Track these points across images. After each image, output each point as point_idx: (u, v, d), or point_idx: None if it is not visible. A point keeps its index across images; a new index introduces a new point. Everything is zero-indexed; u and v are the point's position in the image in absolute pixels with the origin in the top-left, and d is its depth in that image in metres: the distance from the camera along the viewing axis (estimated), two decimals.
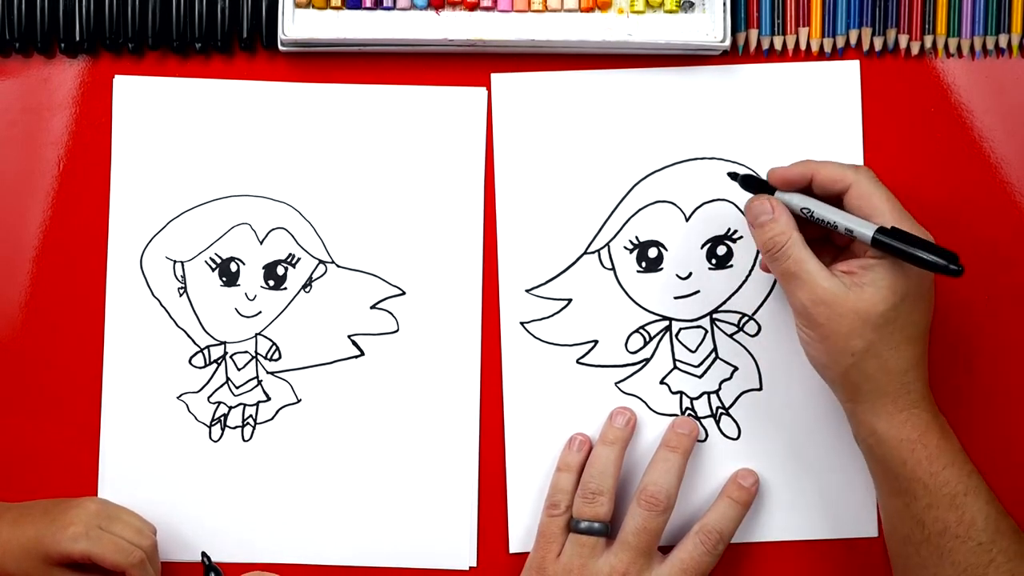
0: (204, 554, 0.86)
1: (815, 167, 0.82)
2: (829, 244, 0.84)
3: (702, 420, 0.91)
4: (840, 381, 0.80)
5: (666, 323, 0.91)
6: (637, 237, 0.91)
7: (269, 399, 0.91)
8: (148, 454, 0.90)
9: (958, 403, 0.90)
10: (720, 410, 0.91)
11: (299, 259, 0.91)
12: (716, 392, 0.91)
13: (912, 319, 0.79)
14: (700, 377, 0.91)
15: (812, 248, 0.80)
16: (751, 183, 0.84)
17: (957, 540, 0.78)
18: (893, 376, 0.79)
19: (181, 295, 0.91)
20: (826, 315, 0.78)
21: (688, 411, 0.91)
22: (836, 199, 0.81)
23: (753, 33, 0.91)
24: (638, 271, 0.91)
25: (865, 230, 0.78)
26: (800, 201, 0.81)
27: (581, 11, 0.90)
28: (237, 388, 0.91)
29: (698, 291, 0.91)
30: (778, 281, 0.82)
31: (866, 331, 0.78)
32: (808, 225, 0.81)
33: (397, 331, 0.91)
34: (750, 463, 0.90)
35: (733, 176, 0.85)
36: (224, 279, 0.91)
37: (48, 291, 0.90)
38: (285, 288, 0.91)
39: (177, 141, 0.91)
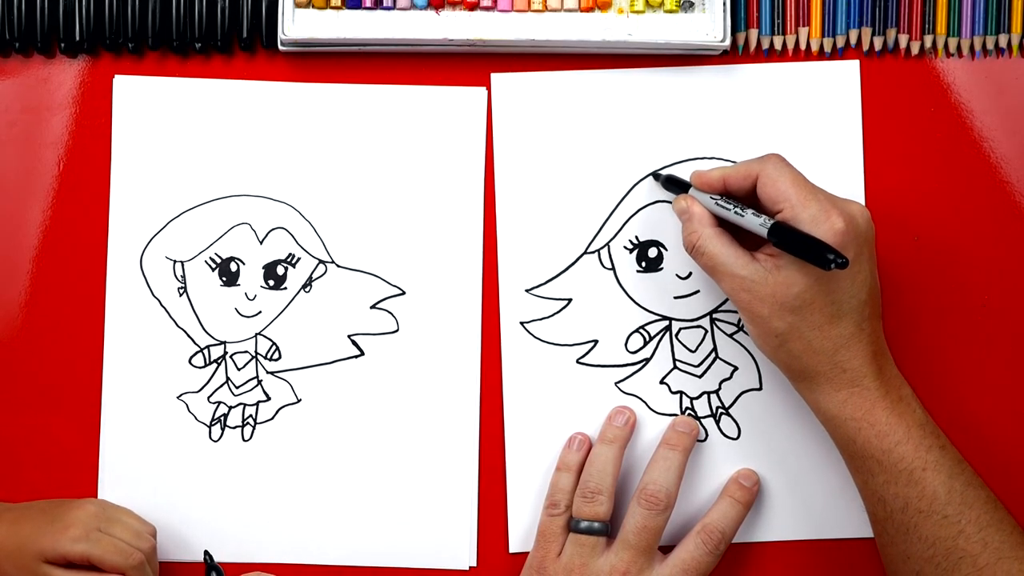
0: (207, 553, 0.86)
1: (727, 169, 0.84)
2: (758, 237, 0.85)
3: (702, 420, 0.91)
4: (775, 361, 0.83)
5: (666, 323, 0.91)
6: (637, 237, 0.91)
7: (269, 399, 0.91)
8: (148, 454, 0.90)
9: (957, 402, 0.90)
10: (720, 410, 0.91)
11: (299, 259, 0.91)
12: (716, 392, 0.91)
13: (832, 299, 0.79)
14: (700, 377, 0.91)
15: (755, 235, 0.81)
16: (672, 183, 0.88)
17: (920, 515, 0.79)
18: (822, 356, 0.80)
19: (181, 295, 0.91)
20: (747, 300, 0.80)
21: (688, 411, 0.91)
22: (753, 194, 0.83)
23: (753, 33, 0.91)
24: (638, 271, 0.91)
25: (761, 228, 0.80)
26: (711, 200, 0.84)
27: (581, 11, 0.90)
28: (237, 388, 0.91)
29: (698, 291, 0.91)
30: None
31: (784, 313, 0.79)
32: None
33: (397, 331, 0.91)
34: (750, 463, 0.90)
35: (656, 176, 0.89)
36: (224, 279, 0.91)
37: (48, 291, 0.90)
38: (285, 288, 0.91)
39: (177, 141, 0.91)
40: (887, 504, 0.80)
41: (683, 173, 0.91)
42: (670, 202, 0.91)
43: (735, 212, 0.82)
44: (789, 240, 0.78)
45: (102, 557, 0.83)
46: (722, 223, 0.84)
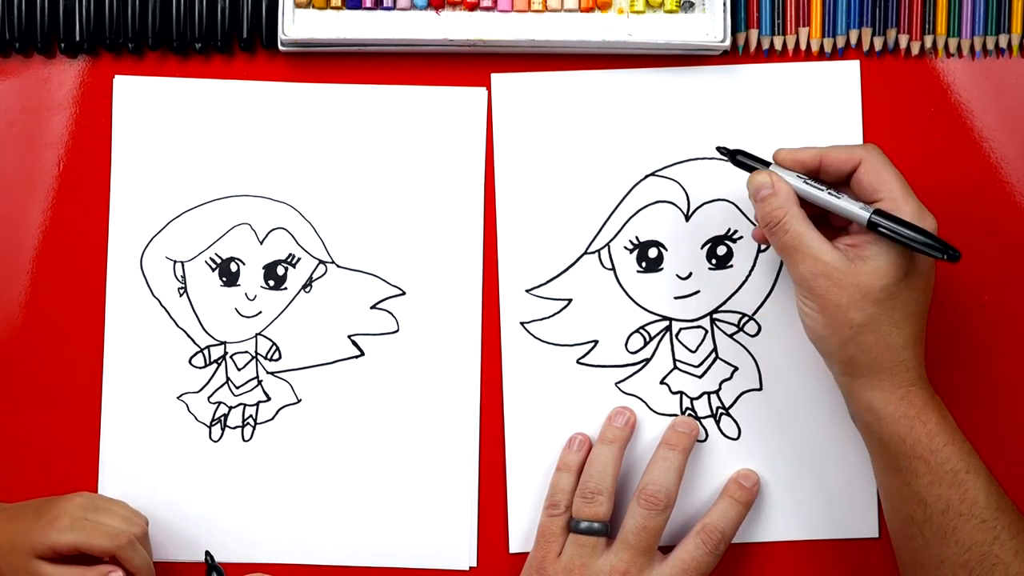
0: (208, 553, 0.86)
1: (823, 150, 0.82)
2: (827, 224, 0.84)
3: (702, 420, 0.91)
4: (837, 355, 0.80)
5: (666, 323, 0.91)
6: (637, 237, 0.91)
7: (269, 399, 0.91)
8: (148, 454, 0.90)
9: (957, 400, 0.90)
10: (720, 410, 0.91)
11: (299, 259, 0.91)
12: (716, 392, 0.91)
13: (913, 296, 0.79)
14: (700, 377, 0.91)
15: (816, 225, 0.81)
16: (740, 157, 0.84)
17: (961, 518, 0.78)
18: (891, 352, 0.79)
19: (181, 295, 0.91)
20: (826, 287, 0.78)
21: (688, 411, 0.91)
22: (845, 180, 0.82)
23: (753, 33, 0.91)
24: (638, 271, 0.91)
25: (862, 212, 0.78)
26: (799, 179, 0.81)
27: (581, 11, 0.90)
28: (237, 388, 0.91)
29: (698, 291, 0.91)
30: (780, 255, 0.82)
31: (866, 304, 0.78)
32: (806, 204, 0.81)
33: (397, 331, 0.91)
34: (750, 463, 0.90)
35: (723, 151, 0.85)
36: (224, 279, 0.91)
37: (48, 291, 0.90)
38: (285, 288, 0.91)
39: (177, 141, 0.91)
40: (928, 506, 0.79)
41: (684, 173, 0.91)
42: (670, 202, 0.91)
43: (829, 193, 0.80)
44: (896, 226, 0.77)
45: (89, 542, 0.82)
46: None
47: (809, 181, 0.81)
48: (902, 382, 0.79)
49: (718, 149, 0.85)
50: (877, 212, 0.78)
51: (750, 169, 0.83)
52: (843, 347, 0.80)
